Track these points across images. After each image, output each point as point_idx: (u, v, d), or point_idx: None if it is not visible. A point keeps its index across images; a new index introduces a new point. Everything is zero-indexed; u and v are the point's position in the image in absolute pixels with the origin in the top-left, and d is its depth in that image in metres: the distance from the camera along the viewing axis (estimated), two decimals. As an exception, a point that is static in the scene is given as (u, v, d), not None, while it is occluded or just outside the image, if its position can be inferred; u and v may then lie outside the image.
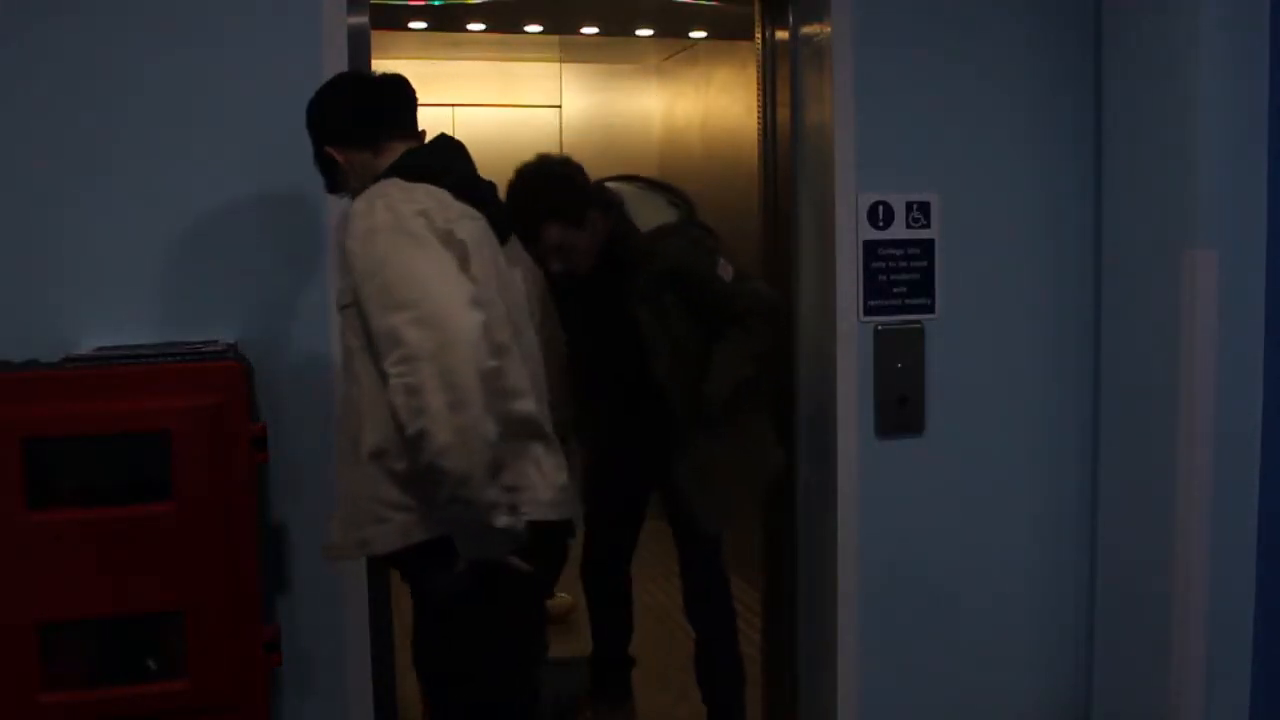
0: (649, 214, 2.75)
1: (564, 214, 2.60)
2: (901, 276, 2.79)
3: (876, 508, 2.80)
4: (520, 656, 2.13)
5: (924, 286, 2.81)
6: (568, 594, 4.13)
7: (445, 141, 2.13)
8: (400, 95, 2.13)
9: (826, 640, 2.84)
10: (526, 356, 2.01)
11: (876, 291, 2.77)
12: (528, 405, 1.94)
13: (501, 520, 1.84)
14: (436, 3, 3.56)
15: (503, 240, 2.08)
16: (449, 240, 1.89)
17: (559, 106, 5.30)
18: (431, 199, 1.93)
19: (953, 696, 2.92)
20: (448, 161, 2.07)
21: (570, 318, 2.54)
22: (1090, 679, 2.98)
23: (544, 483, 1.98)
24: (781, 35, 2.92)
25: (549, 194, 2.61)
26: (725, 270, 2.68)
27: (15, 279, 2.27)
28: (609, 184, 2.82)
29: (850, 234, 2.74)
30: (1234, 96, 2.59)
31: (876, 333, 2.78)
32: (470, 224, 1.96)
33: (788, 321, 2.93)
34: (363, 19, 2.49)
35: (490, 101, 5.15)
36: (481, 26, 4.06)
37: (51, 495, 2.05)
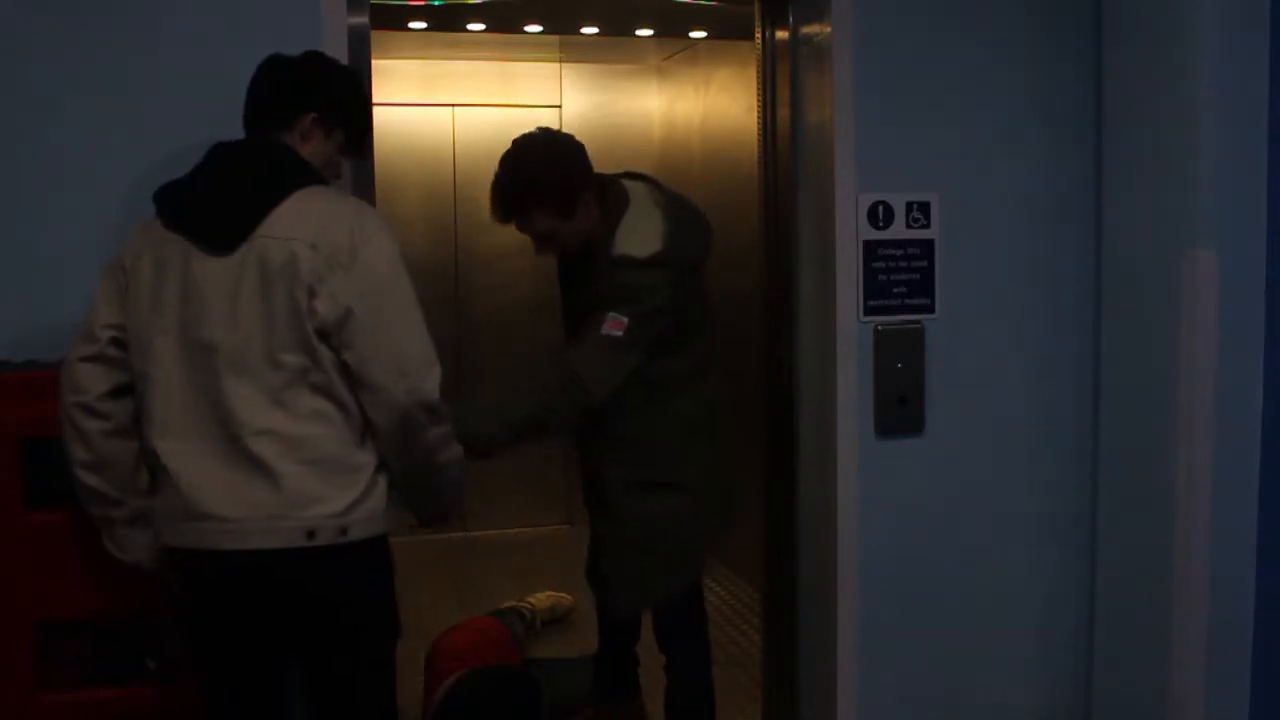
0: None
1: (551, 203, 2.45)
2: (901, 276, 2.79)
3: (876, 508, 2.80)
4: None
5: (924, 286, 2.81)
6: (568, 594, 4.14)
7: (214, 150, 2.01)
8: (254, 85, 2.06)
9: (826, 640, 2.84)
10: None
11: (876, 291, 2.77)
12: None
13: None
14: (436, 3, 3.57)
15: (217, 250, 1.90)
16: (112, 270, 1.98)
17: (559, 106, 5.30)
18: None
19: (953, 696, 2.91)
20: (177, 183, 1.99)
21: (567, 301, 2.53)
22: (1090, 679, 2.98)
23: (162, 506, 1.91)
24: (781, 35, 2.92)
25: (539, 183, 2.44)
26: (611, 328, 2.40)
27: (15, 279, 2.26)
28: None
29: (850, 234, 2.74)
30: (1234, 96, 2.59)
31: (876, 333, 2.78)
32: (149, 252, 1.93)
33: (788, 322, 2.93)
34: (363, 19, 2.49)
35: (490, 101, 5.15)
36: (481, 26, 4.07)
37: (50, 495, 2.05)
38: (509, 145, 2.52)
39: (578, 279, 2.59)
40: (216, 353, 1.84)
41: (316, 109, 2.00)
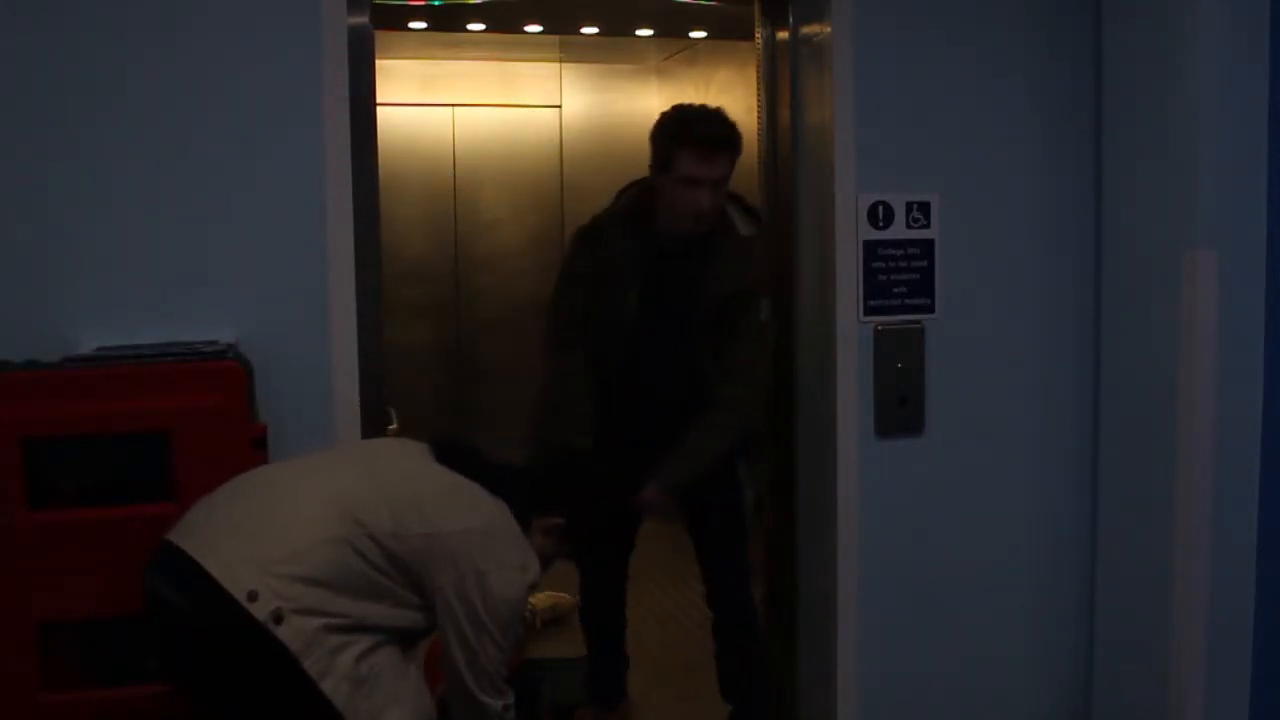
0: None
1: (738, 154, 2.65)
2: (901, 276, 2.79)
3: (876, 508, 2.80)
4: None
5: (924, 286, 2.81)
6: (567, 594, 4.14)
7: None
8: None
9: (826, 640, 2.84)
10: None
11: (876, 291, 2.77)
12: None
13: None
14: (436, 3, 3.57)
15: None
16: None
17: (559, 106, 5.30)
18: None
19: (953, 696, 2.91)
20: None
21: (636, 291, 2.63)
22: (1090, 679, 2.98)
23: None
24: (781, 35, 2.92)
25: (735, 131, 2.64)
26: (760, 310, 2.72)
27: (15, 279, 2.26)
28: None
29: (850, 234, 2.74)
30: (1234, 96, 2.59)
31: (876, 333, 2.78)
32: None
33: (788, 322, 2.93)
34: (363, 19, 2.50)
35: (490, 101, 5.15)
36: (481, 26, 4.07)
37: (51, 495, 2.05)
38: (692, 105, 2.71)
39: (678, 263, 2.68)
40: None
41: None
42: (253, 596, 1.81)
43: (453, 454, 2.11)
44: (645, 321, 2.70)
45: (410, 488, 2.03)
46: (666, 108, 2.75)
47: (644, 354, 2.73)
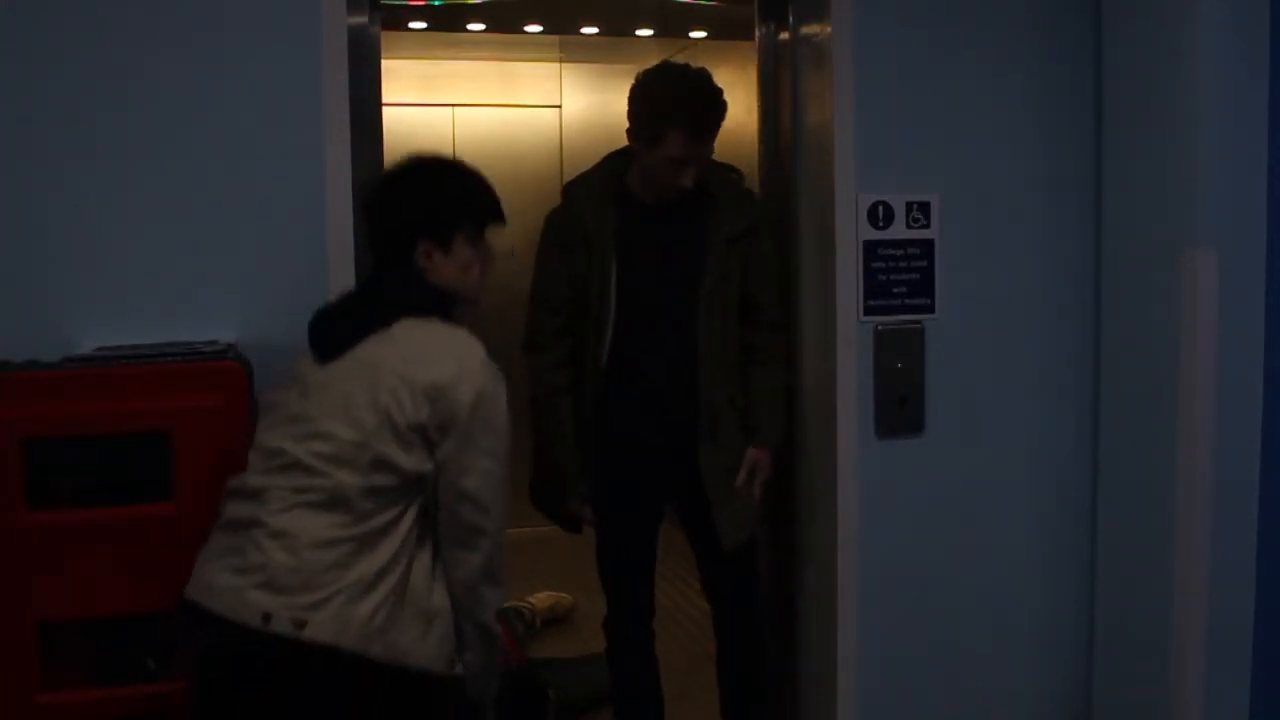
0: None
1: (720, 125, 2.61)
2: (901, 276, 2.79)
3: (876, 508, 2.80)
4: None
5: (924, 286, 2.81)
6: (568, 594, 4.14)
7: None
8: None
9: (826, 640, 2.84)
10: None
11: (876, 291, 2.77)
12: None
13: None
14: (436, 3, 3.57)
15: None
16: None
17: (559, 106, 5.30)
18: None
19: (953, 696, 2.91)
20: None
21: (637, 259, 2.59)
22: (1090, 679, 2.98)
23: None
24: (782, 35, 2.92)
25: (724, 105, 2.61)
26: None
27: (15, 279, 2.27)
28: None
29: (850, 234, 2.74)
30: (1234, 96, 2.59)
31: (876, 333, 2.78)
32: None
33: (788, 322, 2.93)
34: (362, 19, 2.50)
35: (490, 101, 5.16)
36: (481, 26, 4.08)
37: (51, 495, 2.05)
38: (679, 70, 2.63)
39: (676, 220, 2.66)
40: None
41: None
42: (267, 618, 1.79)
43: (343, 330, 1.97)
44: (646, 288, 2.65)
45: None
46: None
47: (648, 322, 2.66)
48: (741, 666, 2.87)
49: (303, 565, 1.79)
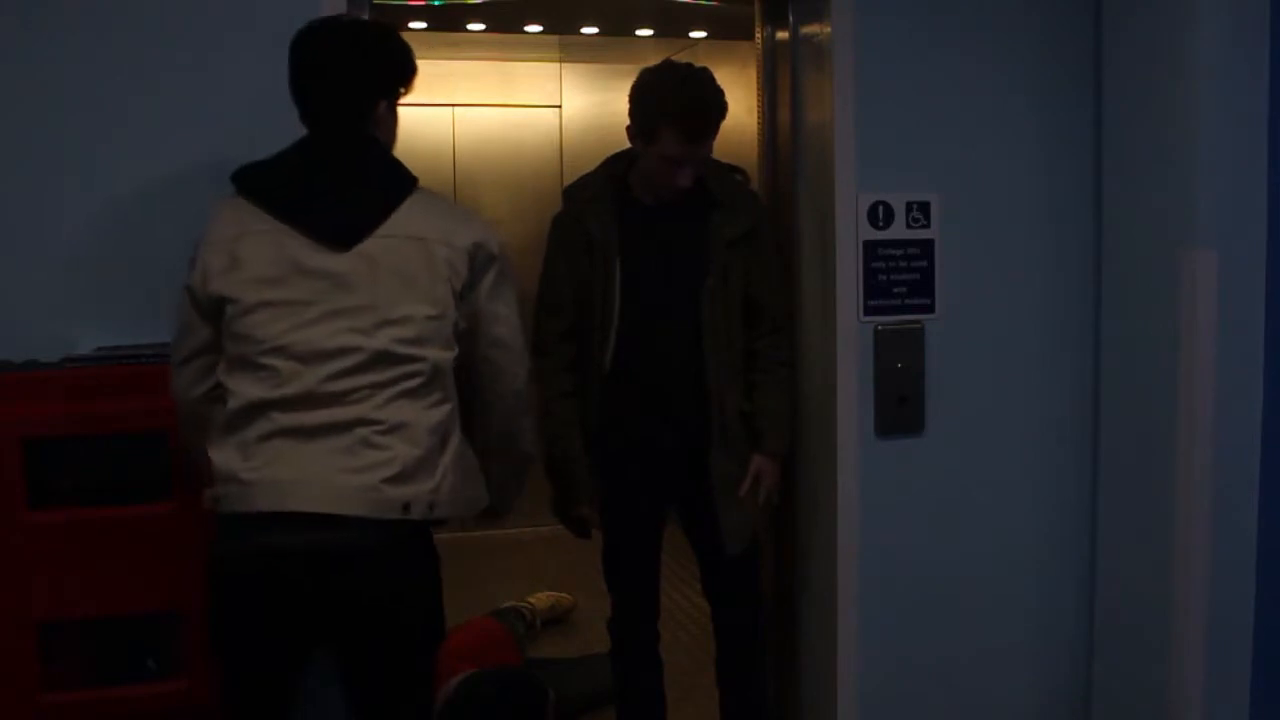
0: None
1: (720, 126, 2.59)
2: (901, 276, 2.79)
3: (876, 508, 2.80)
4: None
5: (924, 286, 2.81)
6: (568, 594, 4.14)
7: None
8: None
9: (826, 640, 2.84)
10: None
11: (876, 291, 2.77)
12: None
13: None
14: (436, 3, 3.57)
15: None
16: None
17: (559, 106, 5.30)
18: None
19: (953, 696, 2.92)
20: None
21: (640, 261, 2.58)
22: (1090, 679, 2.98)
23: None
24: (781, 35, 2.92)
25: (725, 106, 2.59)
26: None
27: (15, 279, 2.26)
28: None
29: (850, 234, 2.74)
30: (1234, 96, 2.59)
31: (876, 333, 2.78)
32: None
33: (788, 321, 2.93)
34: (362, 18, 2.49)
35: (490, 101, 5.16)
36: (481, 26, 4.07)
37: (51, 495, 2.05)
38: (680, 69, 2.60)
39: (677, 221, 2.64)
40: None
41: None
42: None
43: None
44: (649, 290, 2.63)
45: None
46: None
47: (652, 324, 2.65)
48: (741, 668, 2.87)
49: (426, 453, 1.87)
